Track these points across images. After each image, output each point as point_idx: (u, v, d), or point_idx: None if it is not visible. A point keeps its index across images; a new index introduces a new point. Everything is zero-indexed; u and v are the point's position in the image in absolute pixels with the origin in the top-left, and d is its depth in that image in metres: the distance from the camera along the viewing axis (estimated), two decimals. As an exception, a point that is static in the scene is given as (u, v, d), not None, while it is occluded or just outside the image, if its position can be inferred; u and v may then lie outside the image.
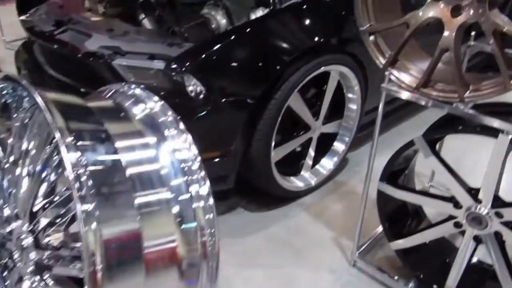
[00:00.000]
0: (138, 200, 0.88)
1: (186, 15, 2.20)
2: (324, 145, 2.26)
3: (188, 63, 1.68)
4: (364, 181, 1.68)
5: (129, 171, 0.88)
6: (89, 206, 0.78)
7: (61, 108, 0.85)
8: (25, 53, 2.35)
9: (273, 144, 1.90)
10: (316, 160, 2.24)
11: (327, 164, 2.26)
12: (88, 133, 0.87)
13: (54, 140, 1.05)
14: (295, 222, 2.10)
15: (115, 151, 0.88)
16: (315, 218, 2.12)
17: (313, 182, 2.20)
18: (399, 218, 1.67)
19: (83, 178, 0.78)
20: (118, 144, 0.90)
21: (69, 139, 0.81)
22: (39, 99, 0.81)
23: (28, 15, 2.38)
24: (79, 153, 0.80)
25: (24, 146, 1.09)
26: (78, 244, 0.94)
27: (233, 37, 1.79)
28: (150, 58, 1.72)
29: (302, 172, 2.19)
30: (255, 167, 1.92)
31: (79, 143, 0.83)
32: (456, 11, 1.22)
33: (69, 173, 0.76)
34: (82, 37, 1.91)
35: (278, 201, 2.17)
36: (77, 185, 0.76)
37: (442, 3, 1.24)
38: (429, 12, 1.26)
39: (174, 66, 1.67)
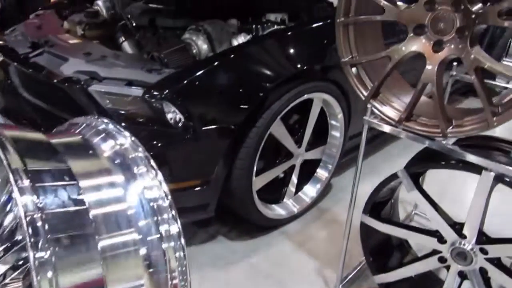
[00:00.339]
0: (102, 243, 0.82)
1: (167, 39, 2.17)
2: (307, 171, 2.22)
3: (167, 90, 1.63)
4: (348, 211, 1.64)
5: (93, 213, 0.82)
6: (44, 254, 0.71)
7: (20, 147, 0.80)
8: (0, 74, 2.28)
9: (254, 172, 1.86)
10: (299, 187, 2.20)
11: (310, 191, 2.21)
12: (49, 173, 0.81)
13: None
14: (277, 251, 2.04)
15: (79, 192, 0.82)
16: (297, 247, 2.06)
17: (295, 210, 2.15)
18: (383, 251, 1.63)
19: (39, 223, 0.72)
20: (82, 183, 0.84)
21: (26, 180, 0.75)
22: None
23: (4, 34, 2.32)
24: (35, 196, 0.74)
25: None
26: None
27: (214, 63, 1.75)
28: (128, 84, 1.67)
29: (285, 200, 2.15)
30: (236, 195, 1.86)
31: (38, 184, 0.77)
32: (437, 46, 1.21)
33: (22, 219, 0.70)
34: (58, 61, 1.85)
35: (260, 229, 2.11)
36: (30, 230, 0.70)
37: (424, 38, 1.22)
38: (411, 47, 1.24)
39: (153, 93, 1.63)
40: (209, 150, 1.73)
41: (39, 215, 0.73)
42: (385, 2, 1.24)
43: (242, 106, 1.75)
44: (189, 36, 1.97)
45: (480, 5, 1.11)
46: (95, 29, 2.22)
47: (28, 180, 0.75)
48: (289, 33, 1.99)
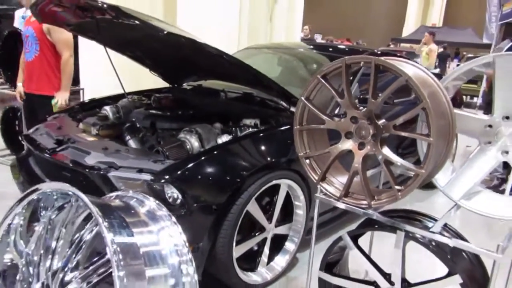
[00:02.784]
0: (147, 272, 1.27)
1: (165, 138, 2.74)
2: (278, 244, 2.68)
3: (168, 176, 2.15)
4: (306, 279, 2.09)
5: (142, 250, 1.28)
6: (122, 273, 1.16)
7: (97, 206, 1.28)
8: (21, 165, 2.74)
9: (235, 241, 2.31)
10: (270, 258, 2.65)
11: (280, 261, 2.66)
12: (115, 222, 1.29)
13: (75, 242, 1.44)
14: (252, 313, 2.42)
15: (132, 235, 1.29)
16: (270, 309, 2.45)
17: (269, 277, 2.57)
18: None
19: (115, 252, 1.18)
20: (134, 230, 1.32)
21: (106, 223, 1.22)
22: (87, 201, 1.24)
23: (29, 133, 2.83)
24: (111, 234, 1.21)
25: (52, 244, 1.46)
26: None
27: (204, 157, 2.31)
28: (138, 172, 2.18)
29: (259, 268, 2.57)
30: (219, 261, 2.29)
31: (111, 228, 1.24)
32: (361, 146, 1.81)
33: (109, 247, 1.16)
34: (81, 154, 2.36)
35: (239, 294, 2.50)
36: (115, 257, 1.16)
37: (352, 140, 1.83)
38: (345, 146, 1.84)
39: (158, 178, 2.14)
40: (199, 222, 2.20)
41: (115, 247, 1.19)
42: (325, 117, 1.87)
43: (225, 189, 2.27)
44: (184, 136, 2.53)
45: (383, 120, 1.75)
46: (106, 129, 2.77)
47: (107, 224, 1.22)
48: (261, 134, 2.61)
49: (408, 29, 21.52)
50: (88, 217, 1.53)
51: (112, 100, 3.45)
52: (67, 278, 1.35)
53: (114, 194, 1.70)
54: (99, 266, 1.42)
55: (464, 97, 10.59)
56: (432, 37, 9.92)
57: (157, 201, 1.52)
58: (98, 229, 1.42)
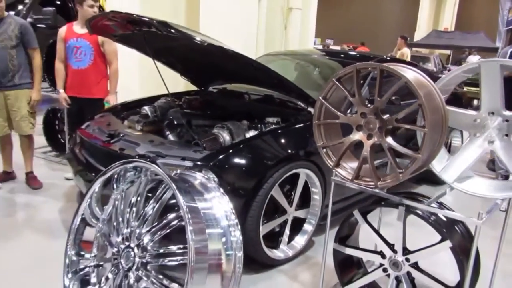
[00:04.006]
0: (207, 230, 1.67)
1: (199, 133, 3.16)
2: (297, 226, 3.07)
3: (207, 163, 2.56)
4: (322, 256, 2.47)
5: (202, 212, 1.69)
6: (192, 228, 1.56)
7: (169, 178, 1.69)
8: (76, 156, 3.18)
9: (261, 221, 2.70)
10: (291, 238, 3.04)
11: (300, 240, 3.05)
12: (182, 189, 1.69)
13: (142, 214, 1.84)
14: (275, 282, 2.81)
15: (194, 200, 1.70)
16: (290, 280, 2.84)
17: (290, 254, 2.96)
18: (347, 267, 2.45)
19: (186, 211, 1.58)
20: (195, 196, 1.72)
21: (176, 188, 1.63)
22: (162, 173, 1.65)
23: (82, 129, 3.28)
24: (182, 197, 1.61)
25: (126, 215, 1.87)
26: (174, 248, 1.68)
27: (235, 148, 2.72)
28: (182, 159, 2.59)
29: (281, 246, 2.96)
30: (248, 238, 2.68)
31: (181, 193, 1.64)
32: (369, 136, 2.19)
33: (182, 206, 1.57)
34: (133, 145, 2.79)
35: (263, 267, 2.89)
36: (187, 215, 1.56)
37: (362, 132, 2.21)
38: (355, 137, 2.23)
39: (199, 164, 2.55)
40: (232, 203, 2.59)
41: (185, 207, 1.59)
42: (339, 113, 2.26)
43: (253, 175, 2.67)
44: (217, 131, 2.95)
45: (387, 115, 2.13)
46: (148, 126, 3.21)
47: (178, 189, 1.63)
48: (283, 130, 3.01)
49: (420, 34, 21.77)
50: (148, 197, 1.96)
51: (147, 101, 3.89)
52: (142, 231, 1.77)
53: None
54: (159, 229, 1.83)
55: (475, 101, 10.86)
56: (404, 42, 10.72)
57: (205, 176, 1.92)
58: (159, 205, 1.85)
